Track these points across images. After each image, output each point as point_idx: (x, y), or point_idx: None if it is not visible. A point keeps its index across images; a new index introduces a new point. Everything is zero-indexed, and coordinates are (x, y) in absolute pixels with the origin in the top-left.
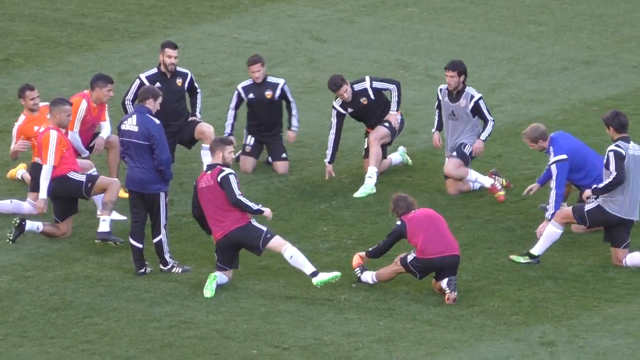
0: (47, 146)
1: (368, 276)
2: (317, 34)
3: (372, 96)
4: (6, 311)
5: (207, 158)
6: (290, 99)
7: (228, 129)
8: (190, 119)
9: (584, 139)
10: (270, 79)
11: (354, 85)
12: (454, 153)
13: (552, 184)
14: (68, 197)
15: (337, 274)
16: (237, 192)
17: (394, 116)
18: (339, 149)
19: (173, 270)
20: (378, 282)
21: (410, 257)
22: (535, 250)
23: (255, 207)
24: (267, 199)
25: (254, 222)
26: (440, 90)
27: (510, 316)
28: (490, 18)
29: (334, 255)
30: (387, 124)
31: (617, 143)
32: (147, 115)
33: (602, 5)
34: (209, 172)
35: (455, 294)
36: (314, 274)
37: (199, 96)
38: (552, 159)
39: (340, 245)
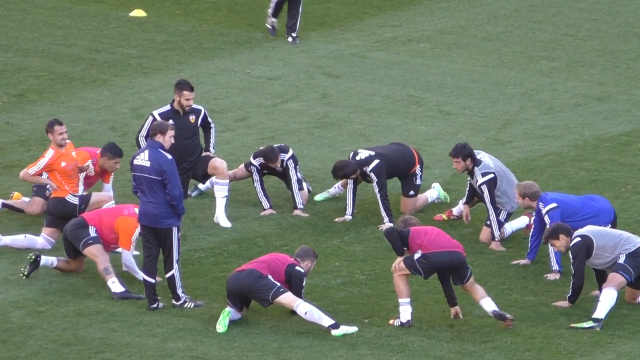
0: (128, 234)
1: (403, 311)
2: (330, 70)
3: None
4: (19, 346)
5: (219, 193)
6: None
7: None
8: (204, 154)
9: (597, 175)
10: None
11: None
12: (488, 222)
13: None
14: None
15: (355, 328)
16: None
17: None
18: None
19: (185, 306)
20: (408, 298)
21: (417, 255)
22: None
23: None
24: (280, 234)
25: (270, 276)
26: None
27: (523, 352)
28: (502, 54)
29: (346, 291)
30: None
31: (578, 236)
32: (159, 150)
33: (615, 41)
34: None
35: (508, 316)
36: (335, 326)
37: (212, 131)
38: (544, 210)
39: (352, 281)
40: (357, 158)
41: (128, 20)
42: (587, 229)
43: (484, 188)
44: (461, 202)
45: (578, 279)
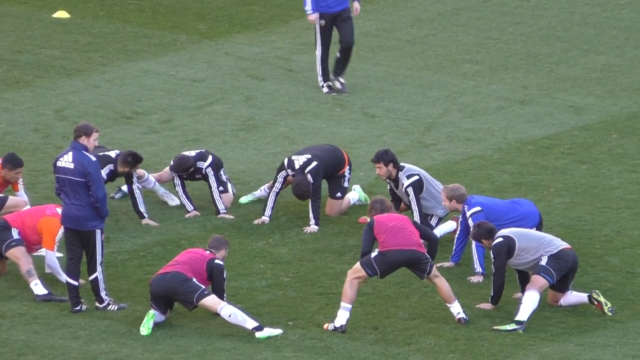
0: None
1: (340, 315)
2: (255, 72)
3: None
4: None
5: (149, 187)
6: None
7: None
8: None
9: (520, 177)
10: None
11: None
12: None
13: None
14: None
15: (280, 331)
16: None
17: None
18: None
19: (109, 308)
20: (350, 305)
21: (373, 254)
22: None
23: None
24: (205, 236)
25: (194, 279)
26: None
27: (447, 354)
28: (426, 57)
29: (271, 293)
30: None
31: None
32: (83, 152)
33: (538, 44)
34: None
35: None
36: (258, 328)
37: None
38: (468, 213)
39: (277, 283)
40: (296, 166)
41: (51, 22)
42: (510, 230)
43: (410, 190)
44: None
45: (498, 278)
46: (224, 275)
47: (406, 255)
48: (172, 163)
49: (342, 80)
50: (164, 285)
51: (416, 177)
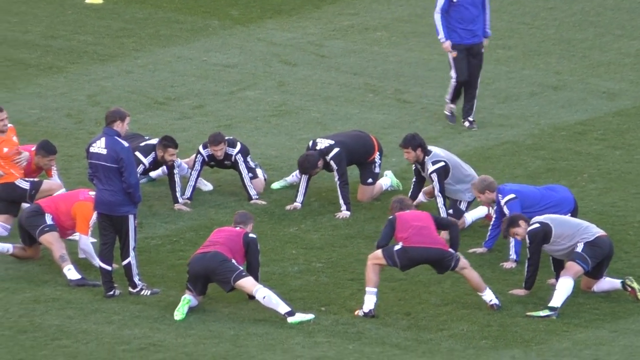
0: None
1: (367, 300)
2: (287, 58)
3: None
4: None
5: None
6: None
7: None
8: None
9: (553, 163)
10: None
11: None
12: (450, 211)
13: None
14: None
15: (312, 316)
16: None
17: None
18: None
19: (142, 293)
20: (375, 288)
21: (396, 247)
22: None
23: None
24: None
25: (233, 260)
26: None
27: (479, 340)
28: None
29: (303, 279)
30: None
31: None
32: (116, 137)
33: (571, 30)
34: None
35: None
36: (290, 313)
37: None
38: (502, 201)
39: (309, 269)
40: (317, 148)
41: (84, 7)
42: (546, 216)
43: (434, 176)
44: (421, 193)
45: (533, 263)
46: (258, 247)
47: (429, 253)
48: (200, 148)
49: (470, 119)
50: (204, 265)
51: (442, 164)
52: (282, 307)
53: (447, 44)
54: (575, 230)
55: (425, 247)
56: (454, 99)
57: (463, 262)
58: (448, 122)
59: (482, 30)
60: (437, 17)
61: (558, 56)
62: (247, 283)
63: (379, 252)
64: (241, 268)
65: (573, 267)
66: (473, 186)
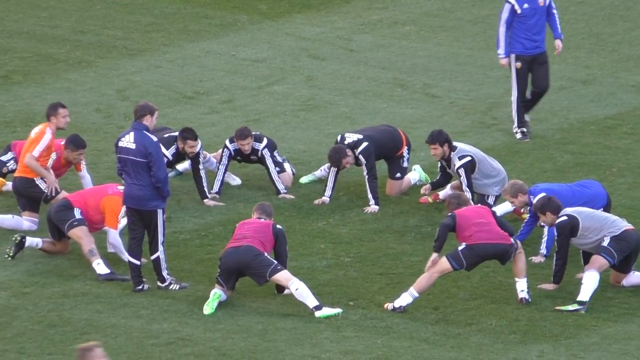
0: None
1: (404, 296)
2: (315, 52)
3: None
4: (4, 327)
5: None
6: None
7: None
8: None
9: (582, 158)
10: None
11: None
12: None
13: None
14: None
15: (339, 310)
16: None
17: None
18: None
19: (170, 287)
20: (418, 295)
21: (460, 247)
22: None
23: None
24: None
25: (266, 254)
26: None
27: (508, 335)
28: (488, 37)
29: (331, 273)
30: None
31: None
32: (145, 132)
33: (601, 24)
34: None
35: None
36: (318, 307)
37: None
38: (534, 201)
39: (337, 263)
40: (346, 142)
41: (113, 2)
42: (574, 209)
43: (461, 171)
44: (449, 186)
45: (561, 256)
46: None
47: (495, 249)
48: (227, 142)
49: (527, 118)
50: (237, 259)
51: (468, 159)
52: (311, 301)
53: (505, 61)
54: (603, 223)
55: (491, 243)
56: (521, 121)
57: (519, 245)
58: (523, 140)
59: (543, 39)
60: (502, 30)
61: (587, 50)
62: (283, 276)
63: (444, 261)
64: (275, 262)
65: (598, 261)
66: (504, 192)
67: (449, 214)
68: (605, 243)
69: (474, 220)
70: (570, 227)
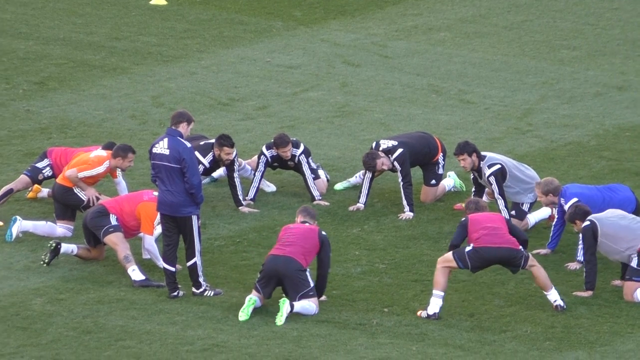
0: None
1: (433, 303)
2: (350, 58)
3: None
4: (39, 333)
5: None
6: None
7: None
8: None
9: (618, 164)
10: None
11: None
12: (513, 212)
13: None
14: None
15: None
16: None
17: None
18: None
19: (205, 294)
20: (442, 292)
21: (467, 248)
22: None
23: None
24: None
25: (308, 271)
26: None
27: (543, 342)
28: (523, 43)
29: (366, 280)
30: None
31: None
32: (179, 138)
33: (636, 29)
34: None
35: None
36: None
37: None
38: (566, 206)
39: (372, 270)
40: (380, 149)
41: (148, 9)
42: (596, 216)
43: (492, 179)
44: (484, 194)
45: (588, 261)
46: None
47: (500, 253)
48: (263, 149)
49: None
50: (276, 268)
51: (498, 166)
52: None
53: None
54: (625, 233)
55: (495, 246)
56: None
57: (532, 259)
58: None
59: None
60: None
61: (623, 56)
62: (310, 303)
63: (449, 255)
64: (312, 285)
65: (632, 286)
66: (537, 186)
67: (463, 218)
68: (634, 263)
69: (484, 224)
70: (592, 233)
